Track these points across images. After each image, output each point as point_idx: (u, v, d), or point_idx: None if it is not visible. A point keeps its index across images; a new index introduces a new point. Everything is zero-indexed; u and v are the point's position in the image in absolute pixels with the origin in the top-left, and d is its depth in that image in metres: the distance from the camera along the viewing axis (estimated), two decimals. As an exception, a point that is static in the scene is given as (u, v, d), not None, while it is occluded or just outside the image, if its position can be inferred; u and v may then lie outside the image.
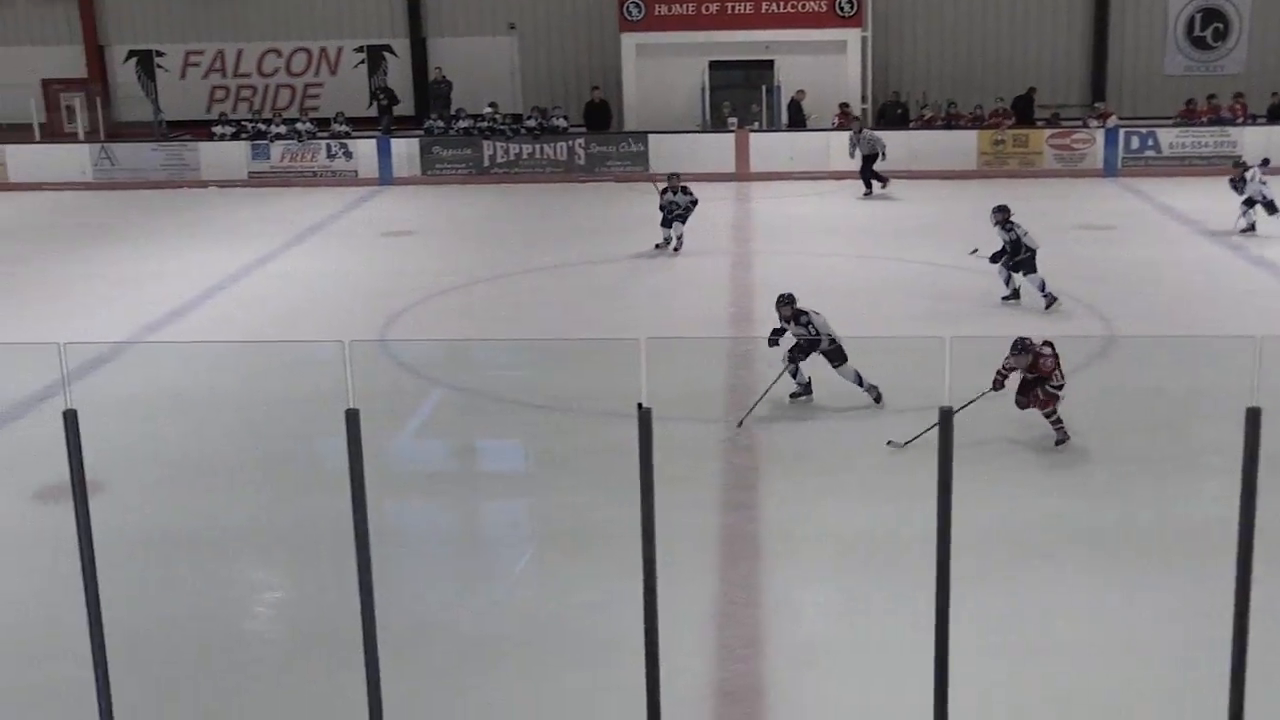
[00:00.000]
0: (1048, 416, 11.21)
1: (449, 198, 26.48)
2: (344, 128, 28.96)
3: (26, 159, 28.93)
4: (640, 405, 5.37)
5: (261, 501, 10.74)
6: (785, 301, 12.28)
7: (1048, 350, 11.09)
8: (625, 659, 6.34)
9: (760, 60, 29.13)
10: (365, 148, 28.40)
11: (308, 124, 29.13)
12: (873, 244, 20.19)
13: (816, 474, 11.00)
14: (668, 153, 27.26)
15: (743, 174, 27.35)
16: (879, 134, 25.61)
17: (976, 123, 28.05)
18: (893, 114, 28.87)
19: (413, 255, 20.67)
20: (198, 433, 12.41)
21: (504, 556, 10.00)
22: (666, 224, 19.85)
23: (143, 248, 21.66)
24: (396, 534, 9.83)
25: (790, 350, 12.12)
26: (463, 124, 28.56)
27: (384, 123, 29.80)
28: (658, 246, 19.97)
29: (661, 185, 20.38)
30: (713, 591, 8.89)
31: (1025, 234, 15.88)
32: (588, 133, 28.60)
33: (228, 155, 28.73)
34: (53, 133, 30.64)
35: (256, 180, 28.40)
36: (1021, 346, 11.08)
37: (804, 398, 12.37)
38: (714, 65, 29.25)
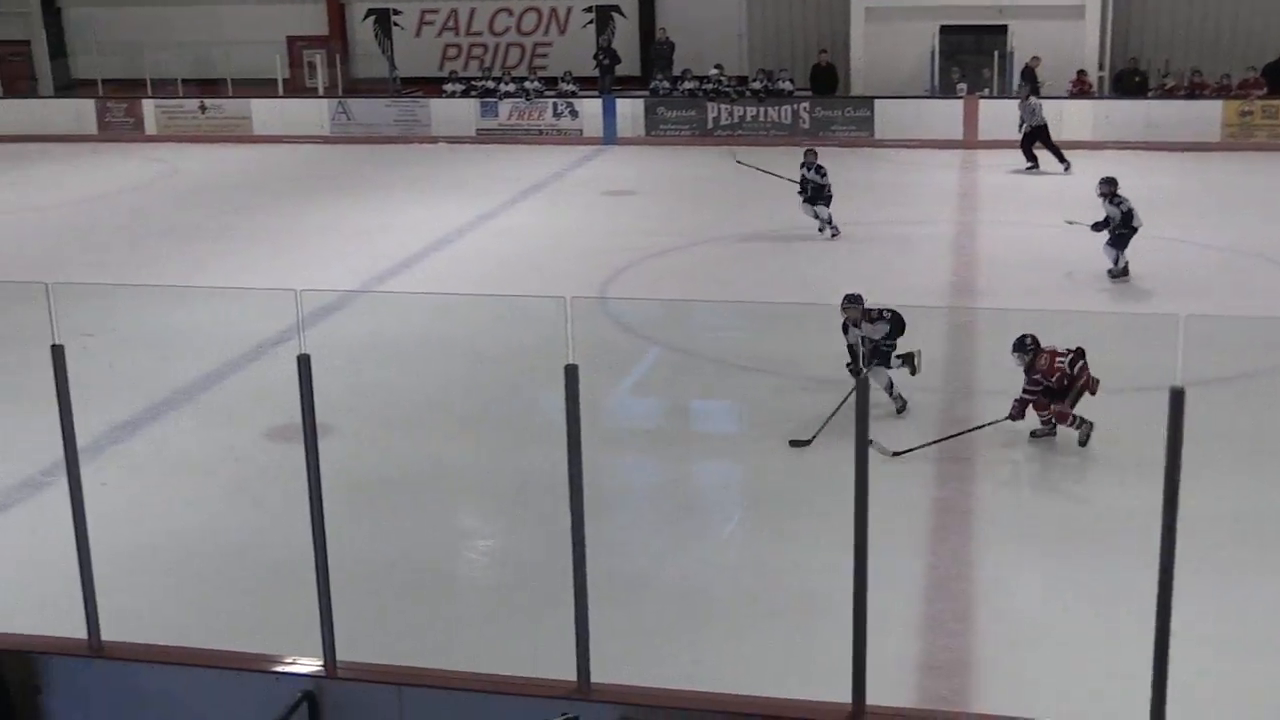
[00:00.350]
0: (1070, 424, 10.47)
1: (671, 159, 26.56)
2: (571, 87, 29.28)
3: (270, 113, 30.10)
4: (860, 371, 5.31)
5: (480, 451, 11.00)
6: (854, 301, 11.20)
7: (1063, 360, 10.30)
8: (830, 624, 6.30)
9: (993, 25, 28.36)
10: (591, 107, 28.68)
11: (536, 83, 29.55)
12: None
13: (1035, 450, 10.72)
14: (893, 118, 26.83)
15: (970, 141, 26.70)
16: (1039, 102, 24.52)
17: (1222, 92, 26.74)
18: (1130, 82, 27.73)
19: (633, 215, 20.82)
20: (421, 381, 12.78)
21: (714, 516, 10.04)
22: (810, 203, 18.43)
23: (374, 201, 22.33)
24: (609, 489, 9.96)
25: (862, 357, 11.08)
26: (687, 85, 28.58)
27: (604, 83, 30.02)
28: (821, 230, 18.50)
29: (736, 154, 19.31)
30: (923, 563, 8.77)
31: (1133, 210, 15.52)
32: (813, 96, 28.29)
33: (457, 112, 29.36)
34: (295, 88, 31.75)
35: (484, 137, 28.97)
36: (1021, 345, 10.43)
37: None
38: (945, 30, 28.60)
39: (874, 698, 5.51)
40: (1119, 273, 15.69)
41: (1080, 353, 10.38)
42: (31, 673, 6.39)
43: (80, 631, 6.42)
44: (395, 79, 31.41)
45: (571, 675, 5.88)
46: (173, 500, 10.21)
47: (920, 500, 9.70)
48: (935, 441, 10.41)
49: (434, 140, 28.94)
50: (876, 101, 27.54)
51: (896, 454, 10.19)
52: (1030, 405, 10.46)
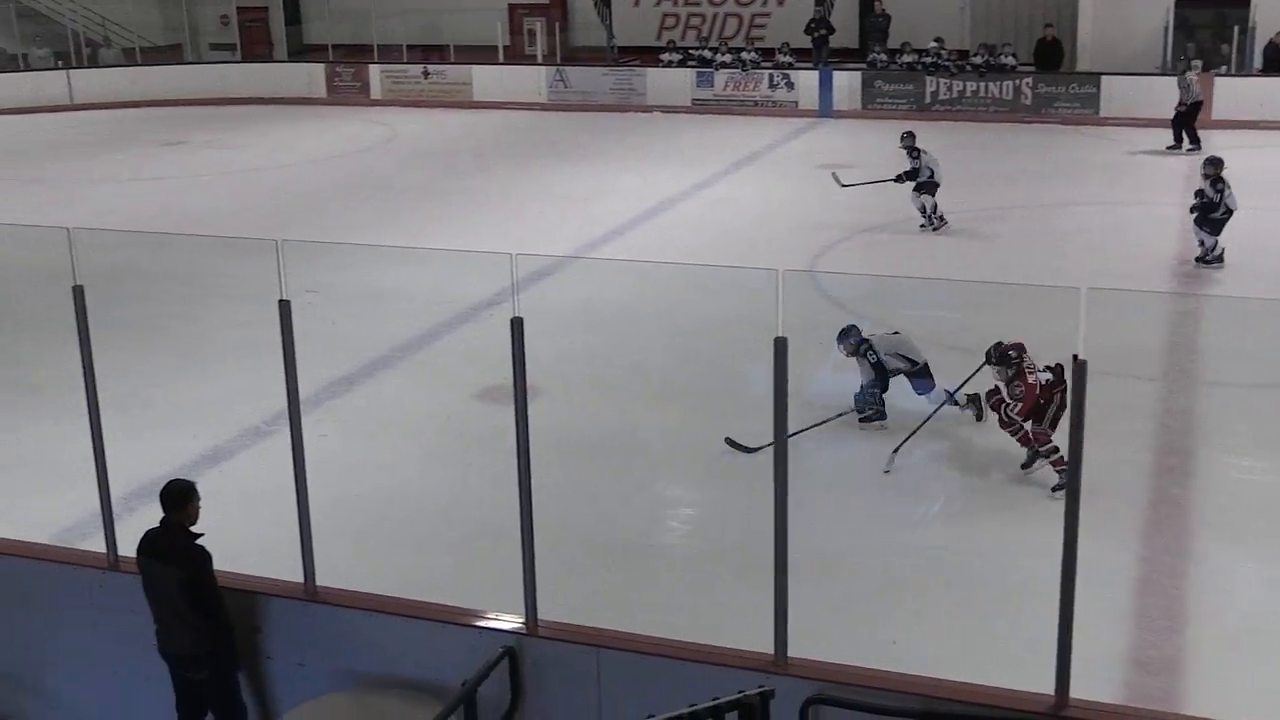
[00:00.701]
0: (1026, 443, 9.57)
1: (887, 133, 26.08)
2: (788, 59, 29.07)
3: (490, 79, 30.67)
4: (1075, 357, 5.16)
5: (684, 420, 11.05)
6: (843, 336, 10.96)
7: (1043, 372, 9.34)
8: (1035, 612, 6.16)
9: (1234, -1, 27.12)
10: (807, 79, 28.43)
11: (753, 53, 29.42)
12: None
13: (1257, 444, 10.28)
14: (1121, 96, 25.91)
15: (1203, 121, 25.62)
16: (1194, 77, 23.21)
17: None
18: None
19: (847, 188, 20.55)
20: (628, 348, 12.89)
21: (918, 497, 9.90)
22: (918, 191, 17.49)
23: (588, 168, 22.57)
24: (812, 464, 9.91)
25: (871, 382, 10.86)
26: (906, 59, 28.10)
27: (820, 55, 29.68)
28: (922, 227, 17.52)
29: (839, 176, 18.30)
30: (1135, 555, 8.50)
31: (1230, 194, 14.99)
32: (1036, 72, 27.51)
33: (673, 82, 29.44)
34: (514, 55, 32.28)
35: (699, 107, 29.00)
36: (1004, 358, 9.47)
37: (877, 422, 10.88)
38: (1180, 3, 27.45)
39: (1078, 691, 5.38)
40: (1212, 258, 15.30)
41: (1059, 371, 9.30)
42: (252, 612, 6.69)
43: (297, 575, 6.69)
44: (613, 48, 31.66)
45: (767, 648, 5.89)
46: (386, 455, 10.54)
47: (1135, 490, 9.40)
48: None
49: (649, 109, 29.09)
50: (1103, 78, 26.61)
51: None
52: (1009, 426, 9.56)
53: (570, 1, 34.25)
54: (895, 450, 9.99)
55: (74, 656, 7.25)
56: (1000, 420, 9.58)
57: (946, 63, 27.79)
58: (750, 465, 9.56)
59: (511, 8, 33.82)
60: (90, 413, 6.93)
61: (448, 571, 8.33)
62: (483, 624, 6.40)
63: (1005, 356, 9.49)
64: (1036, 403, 9.35)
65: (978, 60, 27.61)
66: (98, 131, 28.02)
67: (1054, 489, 9.22)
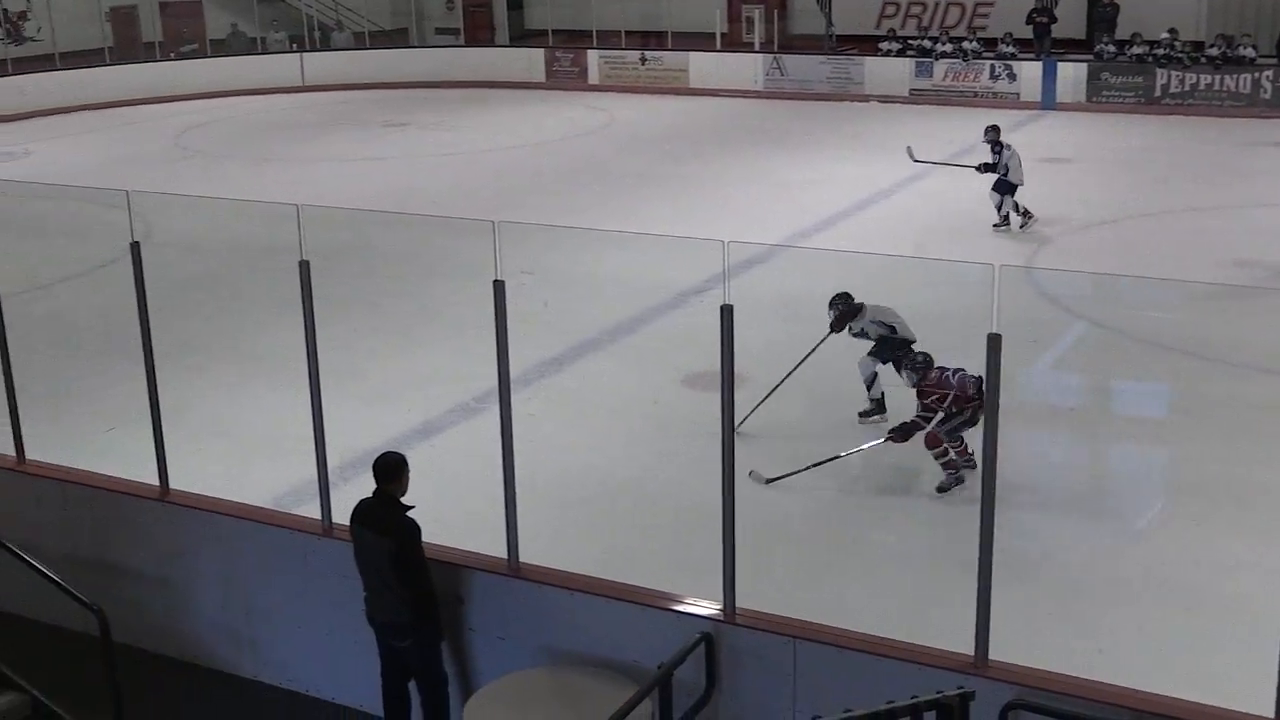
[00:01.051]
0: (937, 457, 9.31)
1: (1113, 127, 25.32)
2: (1010, 49, 28.38)
3: (706, 66, 30.73)
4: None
5: (894, 413, 10.91)
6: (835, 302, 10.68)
7: (963, 383, 9.06)
8: (1252, 627, 5.92)
9: None
10: (1029, 70, 27.70)
11: (974, 43, 28.81)
12: None
13: None
14: (1369, 90, 24.61)
15: None
16: None
17: None
18: None
19: (1068, 184, 19.99)
20: (837, 339, 12.77)
21: (1130, 503, 9.59)
22: (996, 190, 16.88)
23: (802, 157, 22.44)
24: (1021, 464, 9.67)
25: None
26: (1135, 50, 27.13)
27: (1043, 45, 28.85)
28: (996, 226, 16.91)
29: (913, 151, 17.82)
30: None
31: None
32: (1278, 65, 26.26)
33: (891, 71, 29.03)
34: (732, 42, 32.26)
35: (916, 97, 28.53)
36: (912, 364, 9.34)
37: (875, 417, 10.60)
38: None
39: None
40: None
41: (978, 382, 8.91)
42: (456, 584, 6.86)
43: (500, 550, 6.83)
44: (831, 36, 31.37)
45: (967, 649, 5.79)
46: (591, 436, 10.68)
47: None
48: (809, 467, 9.45)
49: (865, 99, 28.75)
50: (1353, 71, 25.28)
51: (770, 480, 9.37)
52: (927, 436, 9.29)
53: (789, -12, 34.08)
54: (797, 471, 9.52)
55: (287, 618, 7.55)
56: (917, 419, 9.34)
57: (1179, 54, 26.73)
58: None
59: (730, -8, 33.83)
60: (311, 384, 7.18)
61: (647, 554, 8.39)
62: (681, 608, 6.44)
63: (912, 361, 9.45)
64: (950, 409, 9.18)
65: (1214, 51, 26.48)
66: (326, 112, 29.04)
67: (938, 488, 9.28)
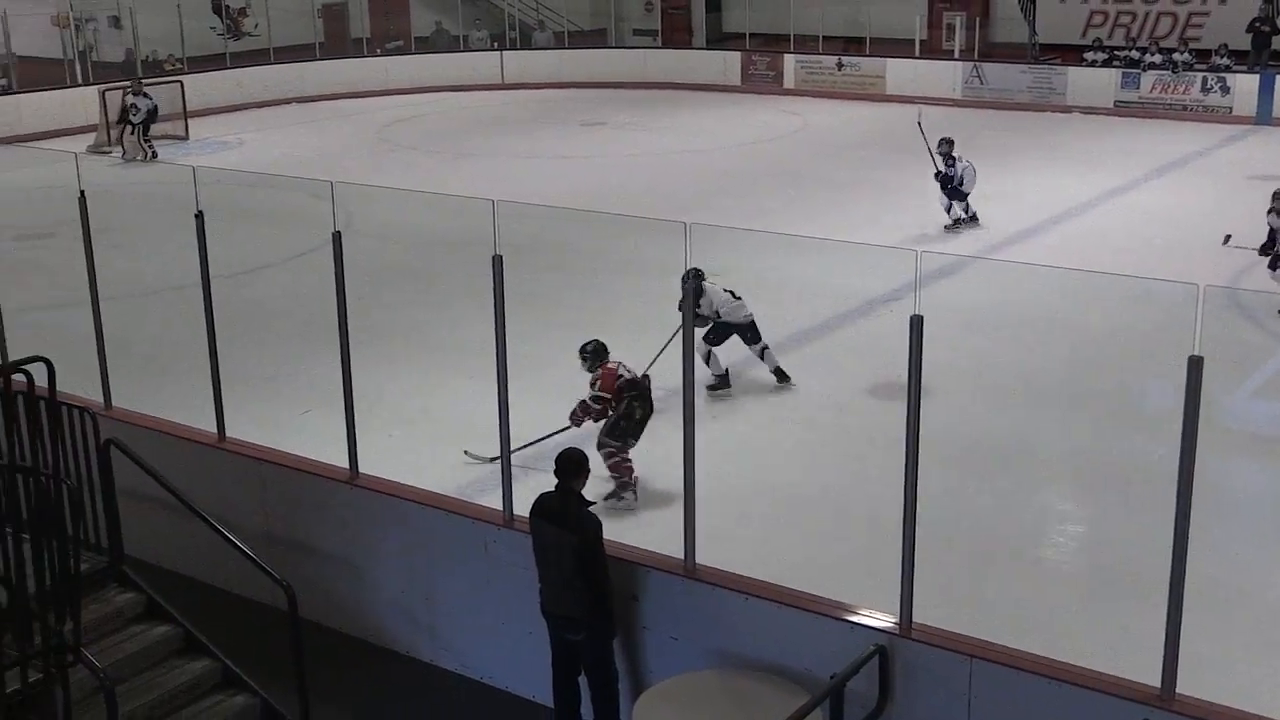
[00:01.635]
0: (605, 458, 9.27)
1: (1331, 144, 24.25)
2: (1225, 61, 27.37)
3: (903, 73, 30.36)
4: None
5: (1079, 432, 10.64)
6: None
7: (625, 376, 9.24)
8: None
9: None
10: (1245, 83, 26.66)
11: (1185, 55, 27.87)
12: None
13: None
14: None
15: None
16: None
17: None
18: None
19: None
20: (1026, 354, 12.51)
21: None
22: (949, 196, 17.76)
23: (999, 167, 21.94)
24: (1217, 492, 9.33)
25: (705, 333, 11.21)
26: (1362, 64, 25.91)
27: (1260, 57, 27.70)
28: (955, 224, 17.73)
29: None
30: None
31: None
32: None
33: (1095, 82, 28.27)
34: (931, 49, 31.78)
35: (1121, 110, 27.73)
36: (582, 351, 9.52)
37: (721, 390, 11.39)
38: None
39: None
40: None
41: (634, 383, 9.31)
42: (632, 582, 6.91)
43: (676, 550, 6.85)
44: (1034, 44, 30.66)
45: (1153, 680, 5.61)
46: (773, 441, 10.64)
47: None
48: (526, 445, 9.43)
49: (1068, 110, 28.06)
50: None
51: (491, 459, 9.14)
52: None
53: (995, -5, 33.42)
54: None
55: (466, 605, 7.70)
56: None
57: None
58: (1146, 484, 9.08)
59: (931, 1, 33.31)
60: (499, 377, 7.31)
61: (823, 561, 8.33)
62: (856, 619, 6.37)
63: (582, 349, 9.59)
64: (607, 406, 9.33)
65: None
66: (524, 110, 29.54)
67: (605, 498, 9.16)
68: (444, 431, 10.73)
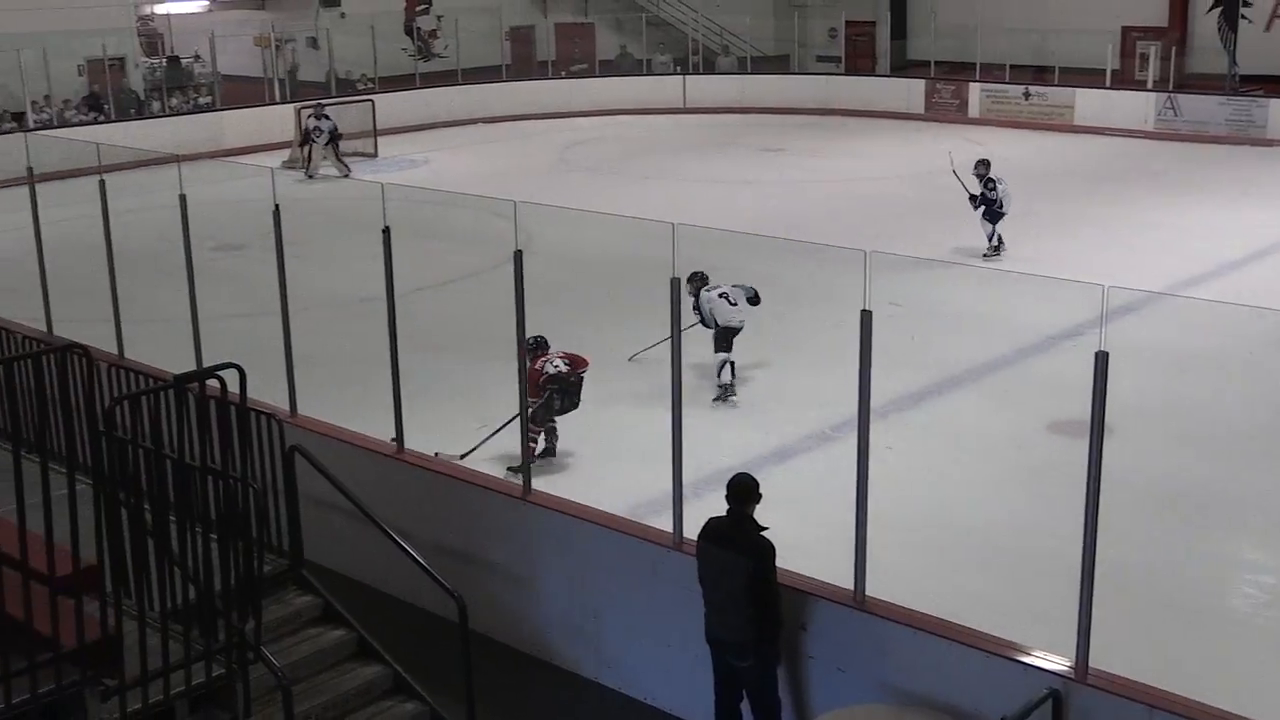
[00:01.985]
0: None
1: None
2: None
3: (1093, 103, 29.62)
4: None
5: (1274, 481, 10.23)
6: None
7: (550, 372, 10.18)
8: None
9: None
10: None
11: (1396, 88, 26.73)
12: None
13: None
14: None
15: None
16: None
17: None
18: None
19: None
20: (1217, 397, 12.09)
21: None
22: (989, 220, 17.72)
23: (1192, 202, 21.33)
24: None
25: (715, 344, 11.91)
26: None
27: None
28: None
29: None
30: None
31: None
32: None
33: (1299, 114, 27.25)
34: (1123, 80, 30.97)
35: (1326, 144, 26.68)
36: (532, 343, 9.93)
37: (729, 399, 11.93)
38: None
39: None
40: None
41: (559, 378, 10.24)
42: (799, 611, 6.85)
43: (845, 580, 6.77)
44: (1234, 75, 29.66)
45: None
46: (949, 475, 10.46)
47: None
48: (489, 437, 10.23)
49: (1269, 144, 27.05)
50: None
51: (462, 456, 9.99)
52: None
53: (1190, 24, 32.43)
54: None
55: (631, 625, 7.72)
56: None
57: None
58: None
59: (1124, 29, 32.49)
60: (673, 400, 7.33)
61: (996, 599, 8.14)
62: (1029, 660, 6.21)
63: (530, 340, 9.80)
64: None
65: None
66: (704, 134, 29.63)
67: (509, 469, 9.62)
68: (616, 452, 10.78)
